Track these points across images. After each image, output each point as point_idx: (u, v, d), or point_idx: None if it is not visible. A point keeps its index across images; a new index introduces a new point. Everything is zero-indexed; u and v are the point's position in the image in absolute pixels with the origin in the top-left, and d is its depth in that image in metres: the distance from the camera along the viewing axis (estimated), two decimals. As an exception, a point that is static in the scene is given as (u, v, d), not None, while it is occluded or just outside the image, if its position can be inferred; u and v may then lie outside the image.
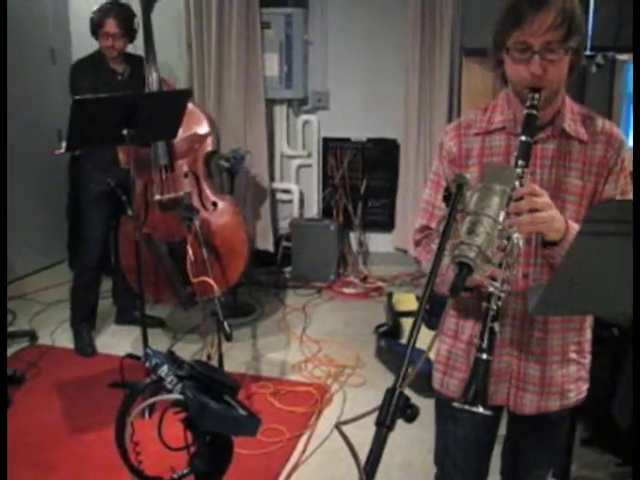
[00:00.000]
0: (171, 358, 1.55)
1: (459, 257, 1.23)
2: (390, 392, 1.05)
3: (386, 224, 5.65)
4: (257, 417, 1.48)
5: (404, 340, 3.89)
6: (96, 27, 4.01)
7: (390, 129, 5.49)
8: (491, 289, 1.54)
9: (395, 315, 4.34)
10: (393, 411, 1.02)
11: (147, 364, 1.51)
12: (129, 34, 4.06)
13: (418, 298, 3.74)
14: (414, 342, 1.10)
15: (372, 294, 5.31)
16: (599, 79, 3.60)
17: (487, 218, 1.27)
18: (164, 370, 1.45)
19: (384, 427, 1.02)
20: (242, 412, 1.47)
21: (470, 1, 4.61)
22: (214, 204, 4.13)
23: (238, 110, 5.39)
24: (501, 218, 1.39)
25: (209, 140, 4.22)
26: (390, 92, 5.40)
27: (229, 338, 3.33)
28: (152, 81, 4.05)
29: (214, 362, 3.48)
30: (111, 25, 3.97)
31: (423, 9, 5.07)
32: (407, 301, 4.51)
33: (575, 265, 1.19)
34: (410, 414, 1.04)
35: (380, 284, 5.45)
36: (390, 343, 4.11)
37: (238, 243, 4.09)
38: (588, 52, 3.73)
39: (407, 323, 4.15)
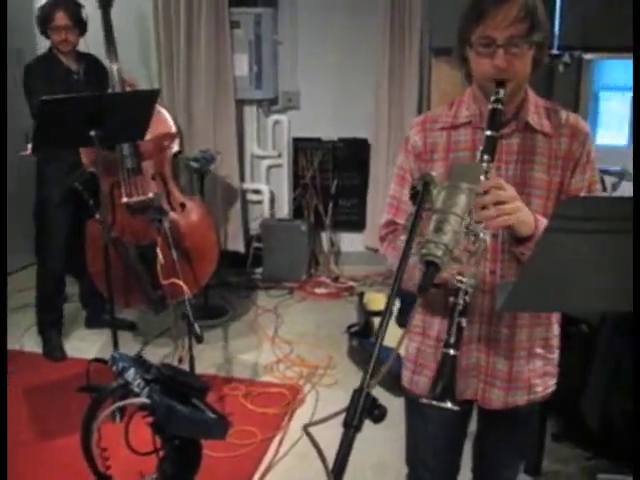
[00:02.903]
0: (138, 361, 1.53)
1: (426, 255, 1.23)
2: (357, 393, 1.05)
3: (357, 224, 5.66)
4: (226, 420, 1.47)
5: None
6: (45, 22, 3.94)
7: (361, 128, 5.50)
8: (458, 285, 1.54)
9: (366, 315, 4.34)
10: (360, 412, 1.01)
11: (114, 368, 1.49)
12: (80, 26, 4.00)
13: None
14: (381, 342, 1.10)
15: (344, 294, 5.32)
16: (566, 78, 3.64)
17: (454, 216, 1.28)
18: (131, 374, 1.44)
19: (351, 428, 1.01)
20: (211, 415, 1.45)
21: (438, 1, 4.63)
22: (182, 205, 4.10)
23: (208, 111, 5.36)
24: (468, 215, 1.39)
25: (175, 141, 4.19)
26: (360, 91, 5.41)
27: (200, 340, 3.31)
28: (114, 81, 4.00)
29: (185, 364, 3.45)
30: (61, 18, 3.90)
31: (393, 8, 5.09)
32: (378, 300, 4.51)
33: (542, 262, 1.20)
34: (377, 414, 1.04)
35: (351, 284, 5.45)
36: (362, 343, 4.12)
37: (208, 244, 4.06)
38: (555, 51, 3.76)
39: (378, 322, 4.16)
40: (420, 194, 1.29)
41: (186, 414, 1.39)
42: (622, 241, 1.21)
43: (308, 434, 1.04)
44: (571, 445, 3.31)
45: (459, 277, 1.54)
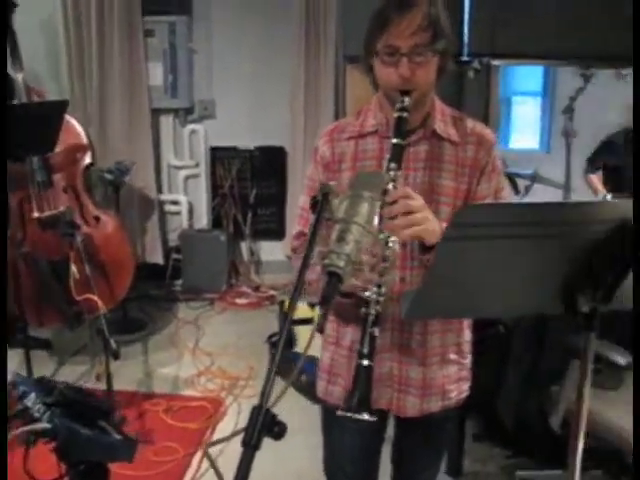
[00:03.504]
0: (41, 384, 1.47)
1: (329, 266, 1.22)
2: (256, 410, 1.03)
3: (276, 232, 5.65)
4: (133, 440, 1.42)
5: (298, 349, 3.88)
6: None
7: (278, 137, 5.50)
8: (368, 294, 1.54)
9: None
10: (259, 430, 0.99)
11: (14, 393, 1.43)
12: None
13: (310, 305, 3.76)
14: (277, 365, 1.08)
15: (265, 303, 5.30)
16: (476, 84, 3.71)
17: (356, 226, 1.27)
18: (31, 398, 1.38)
19: (250, 447, 0.99)
20: (116, 436, 1.41)
21: (351, 9, 4.67)
22: (96, 218, 4.00)
23: (122, 121, 5.26)
24: (375, 224, 1.39)
25: (87, 153, 4.09)
26: (276, 99, 5.41)
27: (116, 356, 3.23)
28: (20, 91, 3.87)
29: (103, 382, 3.36)
30: None
31: (307, 17, 5.11)
32: (300, 309, 4.49)
33: (443, 269, 1.20)
34: (277, 432, 1.02)
35: (272, 293, 5.43)
36: (283, 352, 4.08)
37: (123, 257, 3.98)
38: (465, 58, 3.83)
39: (300, 331, 4.14)
40: (319, 204, 1.28)
41: (90, 437, 1.34)
42: (524, 246, 1.23)
43: (207, 455, 1.01)
44: (491, 445, 3.37)
45: (369, 287, 1.54)
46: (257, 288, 5.57)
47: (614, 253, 1.25)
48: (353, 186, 1.37)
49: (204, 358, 4.36)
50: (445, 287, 1.23)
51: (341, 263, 1.21)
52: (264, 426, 0.99)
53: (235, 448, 1.07)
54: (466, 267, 1.22)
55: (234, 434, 1.01)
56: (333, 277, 1.22)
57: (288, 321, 1.15)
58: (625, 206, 1.25)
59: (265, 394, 1.03)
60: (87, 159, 4.10)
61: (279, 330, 1.06)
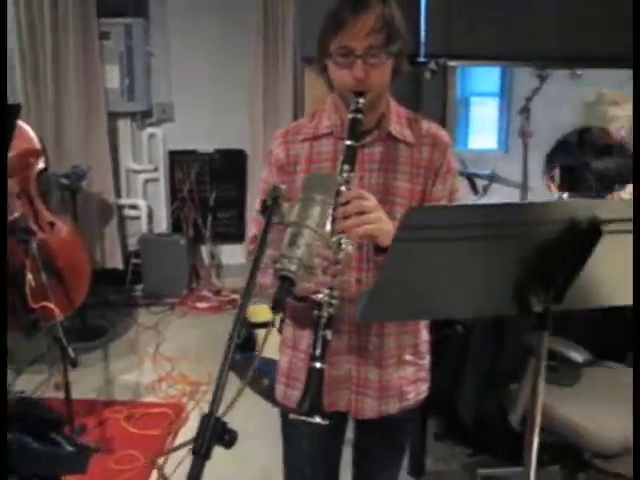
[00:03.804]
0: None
1: (280, 270, 1.21)
2: (206, 419, 1.01)
3: (237, 235, 5.61)
4: (86, 452, 1.40)
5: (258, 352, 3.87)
6: None
7: (237, 139, 5.47)
8: (321, 297, 1.54)
9: (249, 327, 4.30)
10: (209, 439, 0.98)
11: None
12: None
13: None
14: (225, 377, 1.06)
15: (226, 307, 5.27)
16: (433, 84, 3.73)
17: (307, 229, 1.26)
18: (-20, 412, 1.35)
19: (200, 456, 0.97)
20: (69, 448, 1.38)
21: (308, 11, 4.67)
22: (51, 224, 3.94)
23: (79, 125, 5.18)
24: (328, 226, 1.38)
25: (40, 157, 4.02)
26: (236, 102, 5.38)
27: (74, 364, 3.18)
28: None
29: (62, 391, 3.32)
30: None
31: (265, 18, 5.10)
32: (261, 312, 4.46)
33: (394, 271, 1.20)
34: (228, 440, 1.01)
35: (234, 296, 5.40)
36: (245, 356, 4.06)
37: (80, 263, 3.93)
38: (422, 59, 3.84)
39: (261, 334, 4.13)
40: (269, 208, 1.28)
41: (40, 450, 1.31)
42: (475, 248, 1.23)
43: (156, 466, 0.99)
44: (452, 443, 3.40)
45: (322, 289, 1.53)
46: (218, 292, 5.53)
47: (564, 253, 1.26)
48: (305, 189, 1.36)
49: (165, 364, 4.33)
50: (397, 289, 1.23)
51: (293, 267, 1.20)
52: (214, 435, 0.98)
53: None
54: (417, 269, 1.21)
55: (183, 444, 1.00)
56: (285, 281, 1.21)
57: (237, 328, 1.14)
58: (576, 206, 1.26)
59: (215, 402, 1.01)
60: (40, 164, 4.04)
61: (228, 339, 1.04)
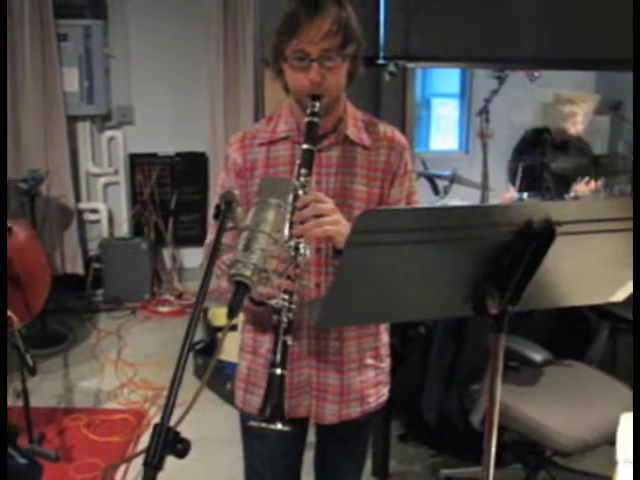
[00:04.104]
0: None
1: (235, 276, 1.20)
2: (157, 428, 1.00)
3: (199, 238, 5.52)
4: (39, 464, 1.37)
5: (222, 356, 3.84)
6: None
7: (198, 142, 5.45)
8: (279, 301, 1.53)
9: (212, 331, 4.28)
10: (161, 449, 0.96)
11: None
12: None
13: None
14: (178, 384, 1.05)
15: (188, 310, 5.22)
16: (392, 87, 3.74)
17: (262, 234, 1.25)
18: None
19: (152, 467, 0.96)
20: (21, 461, 1.35)
21: (268, 13, 4.65)
22: (9, 230, 3.87)
23: (37, 128, 5.11)
24: (286, 230, 1.38)
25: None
26: (197, 105, 5.35)
27: (33, 372, 3.12)
28: None
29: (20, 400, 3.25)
30: None
31: (225, 20, 5.08)
32: (224, 316, 4.45)
33: (347, 276, 1.19)
34: (181, 449, 0.99)
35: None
36: (207, 360, 4.04)
37: (38, 269, 3.87)
38: (381, 61, 3.86)
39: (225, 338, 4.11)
40: (222, 212, 1.26)
41: (-9, 463, 1.28)
42: (430, 250, 1.23)
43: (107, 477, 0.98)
44: (416, 444, 3.41)
45: (279, 294, 1.52)
46: (180, 295, 5.50)
47: (519, 255, 1.27)
48: (259, 193, 1.35)
49: (127, 369, 4.28)
50: (352, 294, 1.22)
51: (247, 272, 1.19)
52: (166, 444, 0.96)
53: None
54: (372, 273, 1.21)
55: (134, 455, 0.98)
56: (240, 287, 1.20)
57: (190, 332, 1.12)
58: (529, 208, 1.27)
59: (167, 410, 1.00)
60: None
61: (181, 346, 1.03)
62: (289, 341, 1.55)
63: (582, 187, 4.04)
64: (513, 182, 4.56)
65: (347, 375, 1.84)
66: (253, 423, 1.47)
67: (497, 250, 1.26)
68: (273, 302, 1.54)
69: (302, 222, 1.53)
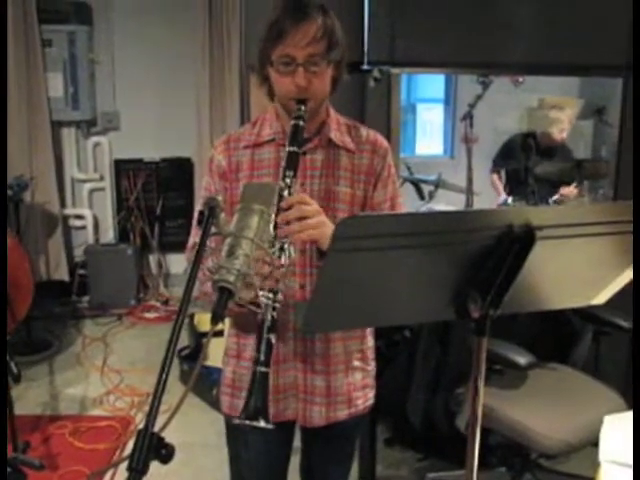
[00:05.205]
0: None
1: (218, 282, 1.20)
2: (142, 433, 1.00)
3: (185, 244, 5.51)
4: (23, 473, 1.37)
5: (208, 362, 3.83)
6: None
7: (184, 148, 5.44)
8: (263, 300, 1.53)
9: (197, 336, 4.27)
10: (145, 454, 0.96)
11: None
12: None
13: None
14: (162, 389, 1.05)
15: (174, 317, 5.18)
16: (377, 92, 3.76)
17: (245, 240, 1.26)
18: None
19: (136, 472, 0.96)
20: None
21: (253, 18, 4.67)
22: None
23: (21, 134, 5.09)
24: (268, 235, 1.38)
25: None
26: (182, 110, 5.34)
27: (17, 379, 3.11)
28: None
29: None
30: None
31: (211, 26, 5.08)
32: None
33: (330, 281, 1.20)
34: (165, 454, 0.99)
35: (182, 306, 5.34)
36: (193, 366, 4.03)
37: (21, 275, 3.84)
38: (366, 67, 3.88)
39: (211, 344, 4.11)
40: (205, 218, 1.27)
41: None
42: (413, 255, 1.24)
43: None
44: (402, 448, 3.42)
45: (262, 293, 1.53)
46: (166, 301, 5.49)
47: (500, 259, 1.28)
48: (243, 199, 1.36)
49: (113, 376, 4.26)
50: (335, 299, 1.23)
51: (231, 278, 1.20)
52: (150, 449, 0.97)
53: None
54: (354, 278, 1.21)
55: (119, 461, 0.98)
56: (224, 292, 1.21)
57: (174, 338, 1.12)
58: (510, 213, 1.28)
59: (151, 415, 1.00)
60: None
61: (166, 350, 1.03)
62: (273, 339, 1.55)
63: (571, 189, 4.08)
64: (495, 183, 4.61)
65: (334, 377, 1.84)
66: (237, 420, 1.48)
67: (479, 254, 1.27)
68: (257, 300, 1.54)
69: (287, 224, 1.54)
